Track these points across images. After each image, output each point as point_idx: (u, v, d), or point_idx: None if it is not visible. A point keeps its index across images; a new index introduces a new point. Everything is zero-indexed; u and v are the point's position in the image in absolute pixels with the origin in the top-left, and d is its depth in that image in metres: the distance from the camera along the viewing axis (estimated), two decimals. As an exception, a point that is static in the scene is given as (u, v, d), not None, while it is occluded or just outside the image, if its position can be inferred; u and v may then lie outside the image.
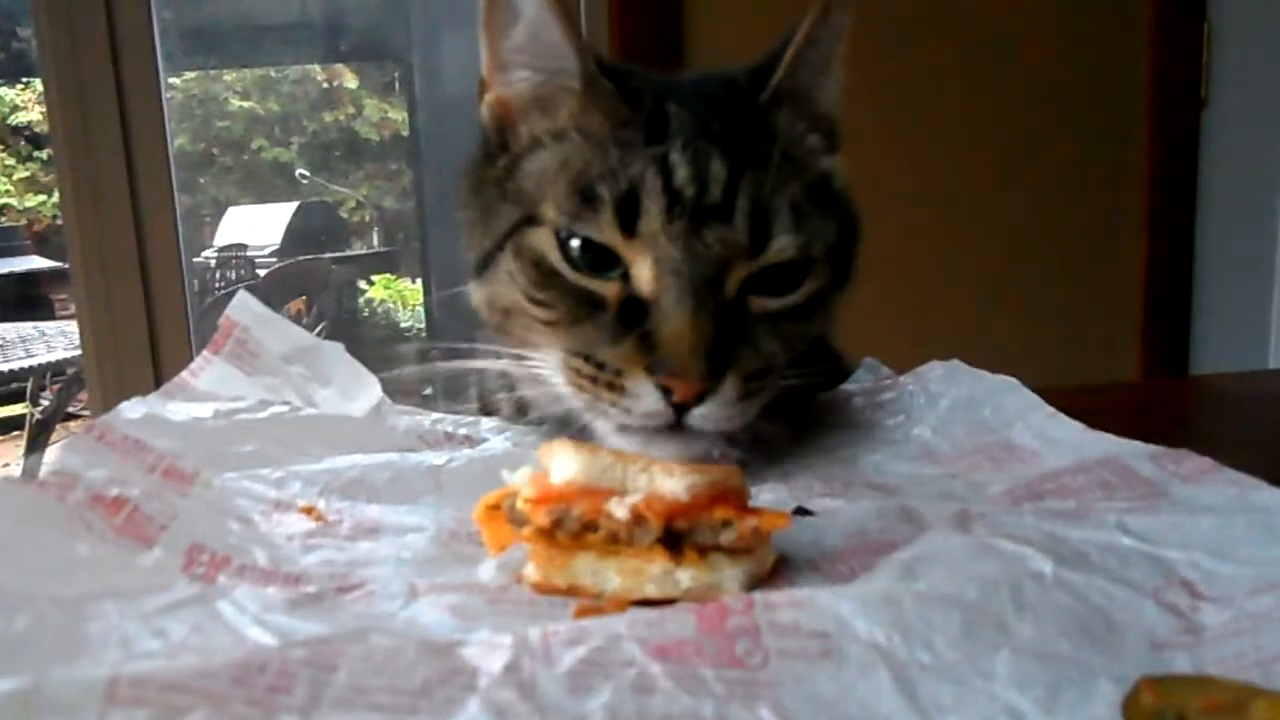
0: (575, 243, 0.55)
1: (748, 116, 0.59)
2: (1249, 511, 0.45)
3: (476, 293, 0.62)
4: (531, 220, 0.57)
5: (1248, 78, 1.93)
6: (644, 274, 0.54)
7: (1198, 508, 0.46)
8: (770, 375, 0.56)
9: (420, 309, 3.66)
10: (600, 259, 0.55)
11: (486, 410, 0.71)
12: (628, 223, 0.54)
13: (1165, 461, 0.51)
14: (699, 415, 0.52)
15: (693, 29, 1.70)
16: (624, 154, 0.56)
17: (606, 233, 0.55)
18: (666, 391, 0.52)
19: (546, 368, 0.57)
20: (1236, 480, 0.48)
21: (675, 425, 0.52)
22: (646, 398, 0.52)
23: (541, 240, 0.56)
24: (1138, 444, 0.54)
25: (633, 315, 0.54)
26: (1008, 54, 1.85)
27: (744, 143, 0.57)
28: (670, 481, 0.43)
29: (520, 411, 0.66)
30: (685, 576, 0.42)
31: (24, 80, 4.96)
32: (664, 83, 0.62)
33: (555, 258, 0.56)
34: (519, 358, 0.59)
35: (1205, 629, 0.37)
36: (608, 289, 0.55)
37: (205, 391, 0.61)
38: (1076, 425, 0.59)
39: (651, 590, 0.42)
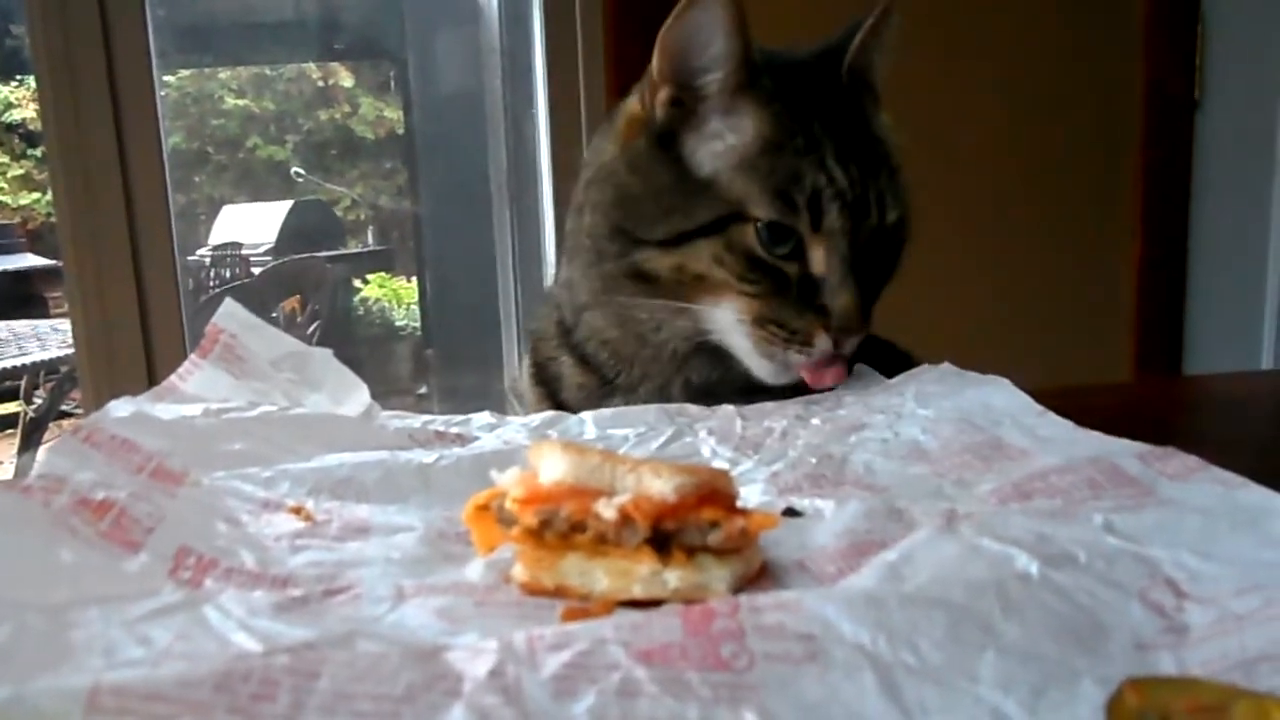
0: (764, 228, 0.71)
1: (846, 109, 0.75)
2: (1235, 511, 0.45)
3: (659, 259, 0.73)
4: (739, 217, 0.71)
5: (1241, 79, 1.93)
6: (818, 256, 0.71)
7: (1184, 507, 0.46)
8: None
9: (415, 308, 3.65)
10: (783, 243, 0.71)
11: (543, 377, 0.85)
12: (815, 221, 0.71)
13: (1152, 460, 0.51)
14: (847, 347, 0.72)
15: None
16: (797, 161, 0.71)
17: (802, 227, 0.71)
18: (835, 340, 0.71)
19: (719, 323, 0.74)
20: (1223, 479, 0.48)
21: (834, 358, 0.72)
22: (824, 345, 0.71)
23: (748, 235, 0.71)
24: (1126, 442, 0.54)
25: (807, 288, 0.72)
26: (1001, 55, 1.85)
27: (858, 138, 0.74)
28: (658, 482, 0.43)
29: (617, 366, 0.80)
30: (673, 577, 0.42)
31: (18, 78, 4.96)
32: (783, 69, 0.75)
33: (760, 249, 0.71)
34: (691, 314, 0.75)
35: (1190, 629, 0.37)
36: (790, 268, 0.72)
37: (194, 395, 0.61)
38: (1066, 424, 0.59)
39: (639, 591, 0.42)
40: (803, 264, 0.72)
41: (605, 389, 0.80)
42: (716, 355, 0.76)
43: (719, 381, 0.76)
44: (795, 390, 0.74)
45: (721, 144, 0.73)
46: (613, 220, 0.76)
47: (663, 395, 0.77)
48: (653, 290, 0.74)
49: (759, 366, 0.73)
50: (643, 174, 0.75)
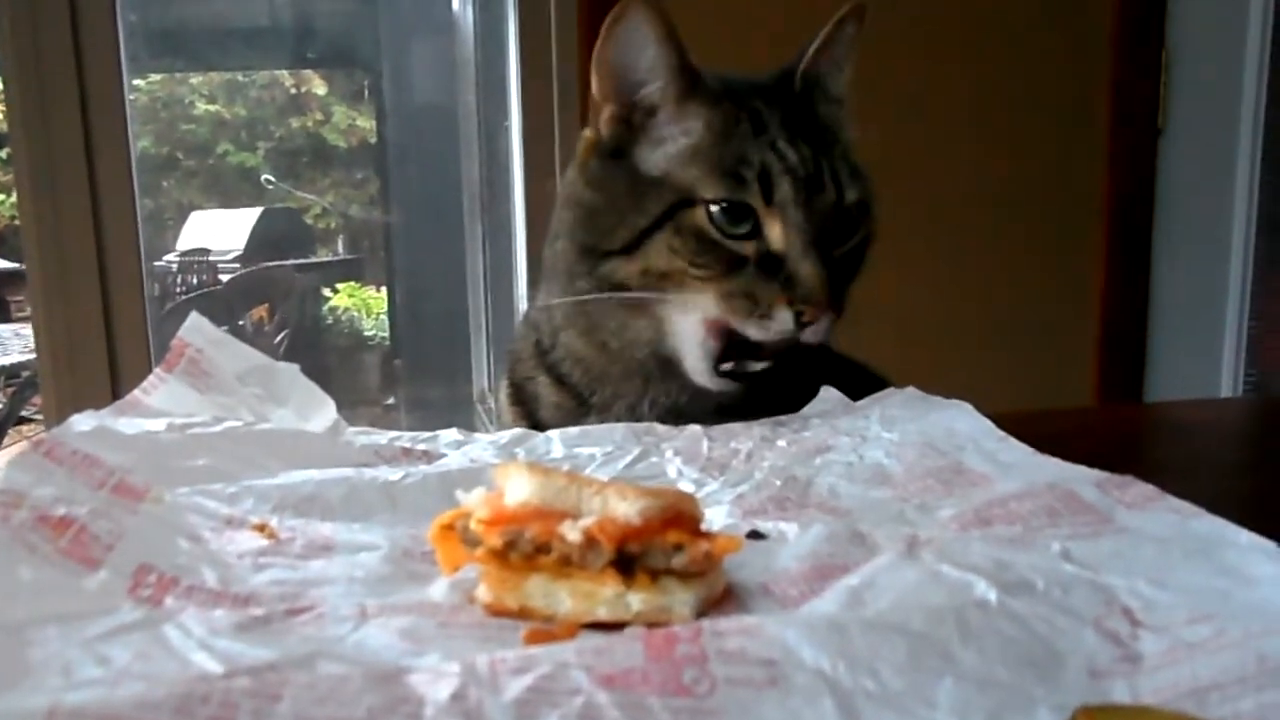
0: (717, 211, 0.72)
1: (797, 105, 0.77)
2: (1189, 540, 0.46)
3: (624, 267, 0.75)
4: (688, 202, 0.73)
5: (1204, 108, 1.97)
6: (775, 233, 0.72)
7: (1140, 535, 0.47)
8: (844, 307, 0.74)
9: (384, 318, 3.63)
10: (739, 223, 0.72)
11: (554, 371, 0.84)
12: (767, 193, 0.72)
13: (1110, 488, 0.52)
14: (810, 331, 0.71)
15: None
16: (743, 144, 0.73)
17: (754, 201, 0.72)
18: (798, 315, 0.71)
19: (675, 325, 0.74)
20: (1178, 508, 0.49)
21: (794, 338, 0.71)
22: (786, 322, 0.71)
23: (698, 218, 0.72)
24: (1084, 469, 0.55)
25: (769, 265, 0.72)
26: (967, 81, 1.88)
27: (807, 126, 0.75)
28: (623, 505, 0.43)
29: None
30: (637, 600, 0.42)
31: (-16, 78, 4.88)
32: (735, 83, 0.78)
33: (710, 229, 0.72)
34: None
35: (1143, 657, 0.38)
36: (747, 248, 0.72)
37: (158, 409, 0.60)
38: (1026, 449, 0.60)
39: (603, 613, 0.42)
40: (760, 241, 0.72)
41: (581, 409, 0.81)
42: (680, 372, 0.77)
43: (689, 402, 0.77)
44: (757, 412, 0.74)
45: (673, 145, 0.75)
46: (579, 240, 0.77)
47: (634, 415, 0.78)
48: (624, 301, 0.75)
49: (697, 369, 0.74)
50: (599, 188, 0.77)
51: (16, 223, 2.05)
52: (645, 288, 0.74)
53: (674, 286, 0.73)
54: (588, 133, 0.80)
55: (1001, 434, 0.62)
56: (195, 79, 3.53)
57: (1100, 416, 1.12)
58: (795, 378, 0.76)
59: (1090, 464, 0.55)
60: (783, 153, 0.73)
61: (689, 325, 0.73)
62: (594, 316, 0.78)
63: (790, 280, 0.71)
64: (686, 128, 0.75)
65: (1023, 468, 0.57)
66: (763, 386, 0.75)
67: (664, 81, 0.74)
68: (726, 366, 0.73)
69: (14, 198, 1.83)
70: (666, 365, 0.76)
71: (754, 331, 0.72)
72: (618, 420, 0.77)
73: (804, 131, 0.75)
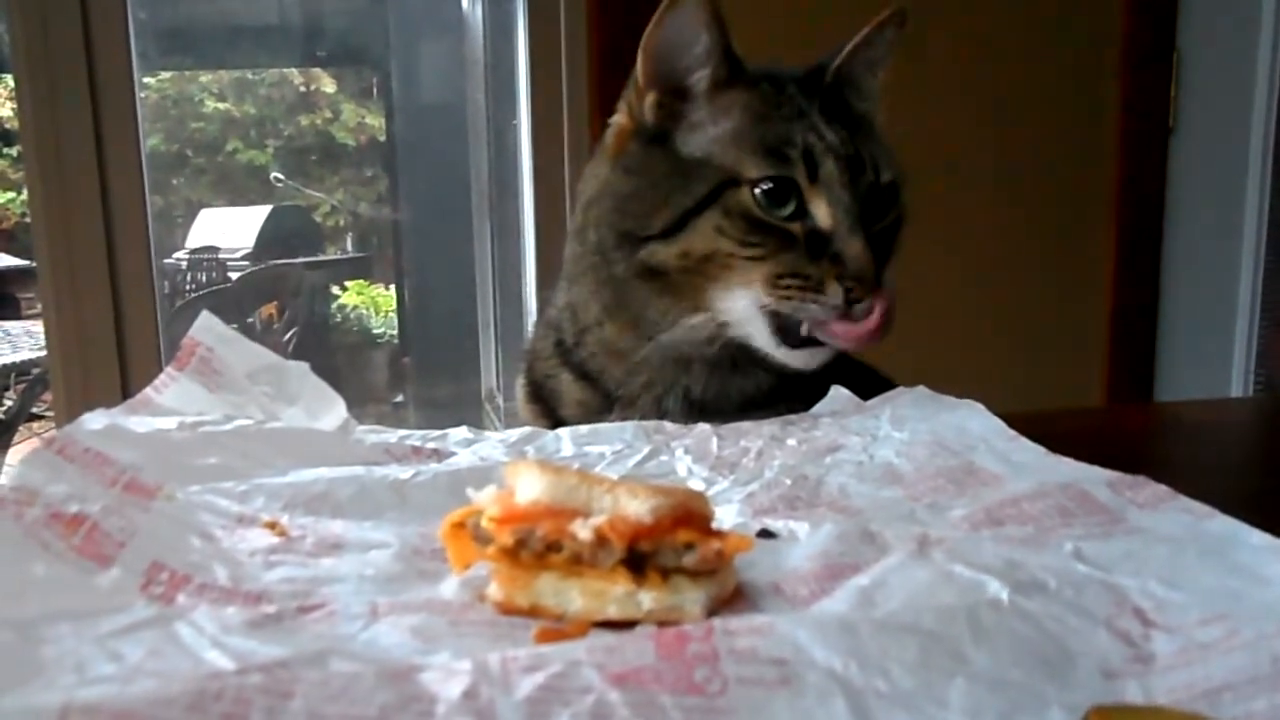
0: (761, 192, 0.73)
1: (829, 95, 0.78)
2: (1202, 540, 0.46)
3: (664, 250, 0.75)
4: (734, 182, 0.73)
5: (1214, 107, 1.96)
6: (821, 211, 0.73)
7: (1153, 536, 0.47)
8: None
9: (393, 316, 3.64)
10: (783, 204, 0.73)
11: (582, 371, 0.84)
12: (812, 171, 0.73)
13: (1123, 488, 0.51)
14: (859, 308, 0.71)
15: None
16: (786, 125, 0.74)
17: (800, 178, 0.72)
18: (848, 291, 0.71)
19: (735, 313, 0.75)
20: (1191, 509, 0.49)
21: (845, 313, 0.72)
22: (836, 296, 0.71)
23: (745, 197, 0.73)
24: (1096, 469, 0.54)
25: (816, 243, 0.72)
26: (978, 80, 1.87)
27: (842, 113, 0.77)
28: (634, 503, 0.43)
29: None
30: (647, 598, 0.42)
31: (-5, 76, 4.91)
32: (772, 71, 0.79)
33: (758, 210, 0.73)
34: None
35: (1156, 658, 0.38)
36: (794, 227, 0.73)
37: (169, 408, 0.60)
38: (1037, 449, 0.60)
39: (614, 611, 0.42)
40: (806, 221, 0.73)
41: (604, 403, 0.81)
42: (718, 366, 0.78)
43: (715, 397, 0.77)
44: (787, 409, 0.74)
45: (715, 128, 0.76)
46: (616, 228, 0.78)
47: (660, 408, 0.79)
48: (665, 287, 0.76)
49: (780, 352, 0.74)
50: (638, 173, 0.78)
51: (27, 220, 2.06)
52: (686, 272, 0.74)
53: (719, 277, 0.74)
54: (621, 119, 0.80)
55: (1013, 433, 0.62)
56: (205, 77, 3.54)
57: (1110, 416, 1.12)
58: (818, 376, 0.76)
59: (1101, 464, 0.55)
60: (823, 133, 0.74)
61: (744, 306, 0.74)
62: (634, 307, 0.78)
63: (838, 257, 0.72)
64: (726, 111, 0.76)
65: (1035, 467, 0.57)
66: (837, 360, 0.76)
67: (710, 68, 0.76)
68: (804, 333, 0.73)
69: (25, 195, 1.84)
70: (723, 361, 0.77)
71: (812, 311, 0.72)
72: (642, 415, 0.77)
73: (840, 117, 0.76)
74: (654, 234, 0.75)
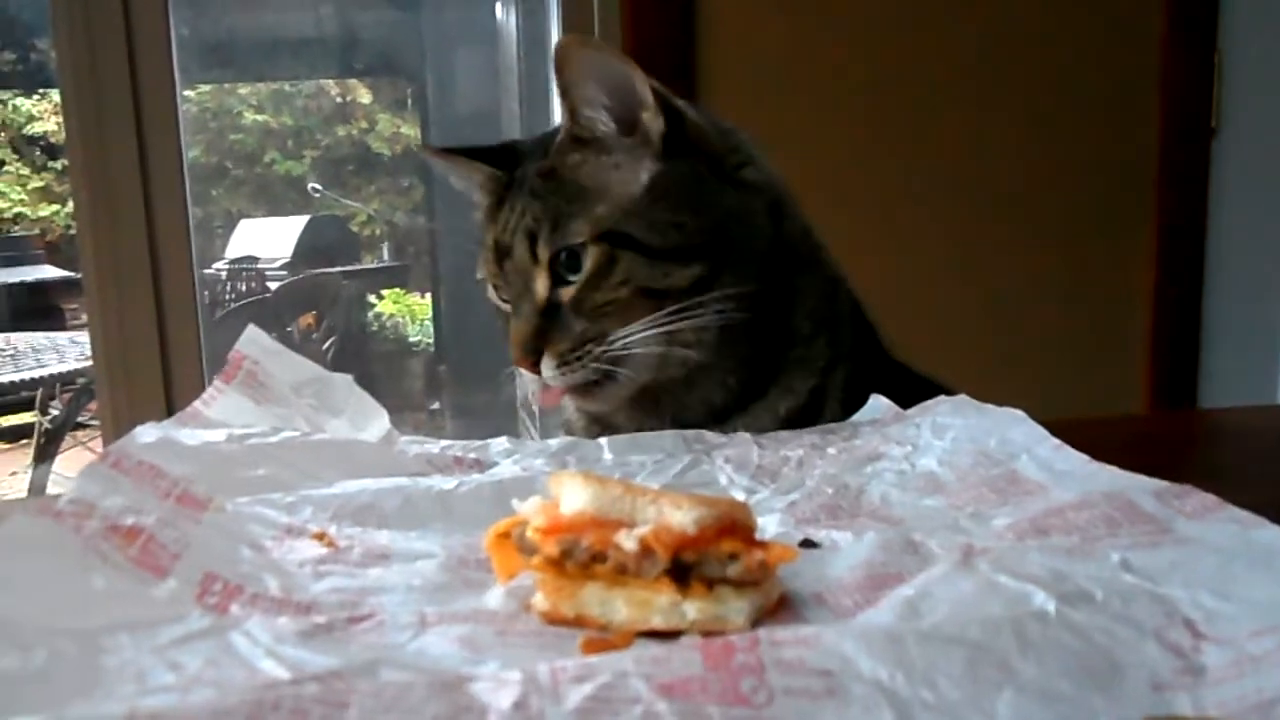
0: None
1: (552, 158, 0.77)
2: (1251, 550, 0.45)
3: None
4: None
5: (1258, 108, 1.93)
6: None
7: (1201, 546, 0.46)
8: (589, 344, 0.73)
9: (429, 324, 3.67)
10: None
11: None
12: (500, 260, 0.77)
13: (1169, 497, 0.51)
14: (546, 376, 0.74)
15: (705, 27, 1.69)
16: (499, 214, 0.78)
17: (492, 276, 0.80)
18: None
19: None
20: (1240, 518, 0.48)
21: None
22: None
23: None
24: (1142, 478, 0.54)
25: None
26: (1018, 83, 1.86)
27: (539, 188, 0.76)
28: (679, 514, 0.43)
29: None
30: (692, 609, 0.42)
31: (40, 91, 5.01)
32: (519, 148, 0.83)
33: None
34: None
35: (1207, 670, 0.38)
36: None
37: (217, 420, 0.62)
38: (1082, 457, 0.59)
39: (658, 621, 0.42)
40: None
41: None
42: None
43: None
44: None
45: None
46: None
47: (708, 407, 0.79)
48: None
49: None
50: None
51: (73, 232, 2.10)
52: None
53: None
54: None
55: (1057, 442, 0.61)
56: (244, 89, 3.59)
57: (1153, 423, 1.11)
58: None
59: (1144, 472, 0.54)
60: (508, 220, 0.77)
61: None
62: None
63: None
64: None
65: (1079, 476, 0.56)
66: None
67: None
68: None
69: (70, 208, 1.87)
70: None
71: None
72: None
73: (550, 185, 0.76)
74: None
